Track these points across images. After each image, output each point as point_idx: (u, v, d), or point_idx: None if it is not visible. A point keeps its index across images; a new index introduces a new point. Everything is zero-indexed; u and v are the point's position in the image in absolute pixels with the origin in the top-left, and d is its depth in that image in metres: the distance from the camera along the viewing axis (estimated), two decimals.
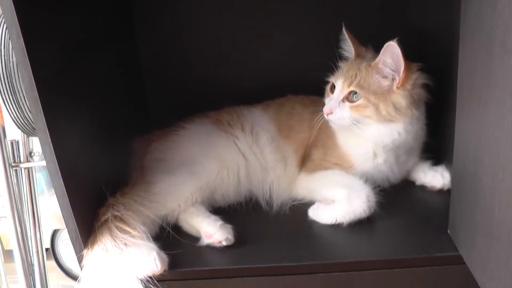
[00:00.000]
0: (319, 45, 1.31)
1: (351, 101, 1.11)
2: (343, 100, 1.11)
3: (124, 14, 1.40)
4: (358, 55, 1.17)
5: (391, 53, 1.05)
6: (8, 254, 1.49)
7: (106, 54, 1.22)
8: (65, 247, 1.84)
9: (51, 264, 1.84)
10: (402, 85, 1.08)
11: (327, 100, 1.16)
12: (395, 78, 1.08)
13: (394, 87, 1.09)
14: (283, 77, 1.41)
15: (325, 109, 1.12)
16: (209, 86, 1.47)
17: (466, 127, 0.87)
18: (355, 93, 1.10)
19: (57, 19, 0.96)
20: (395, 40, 1.03)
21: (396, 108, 1.09)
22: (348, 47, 1.19)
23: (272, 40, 1.45)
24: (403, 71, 1.07)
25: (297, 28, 1.44)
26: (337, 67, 1.19)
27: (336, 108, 1.11)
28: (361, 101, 1.09)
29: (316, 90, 1.25)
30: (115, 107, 1.22)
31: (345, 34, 1.17)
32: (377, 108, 1.09)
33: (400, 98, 1.09)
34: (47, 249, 1.66)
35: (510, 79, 0.68)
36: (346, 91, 1.11)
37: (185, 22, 1.44)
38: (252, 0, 1.40)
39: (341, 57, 1.21)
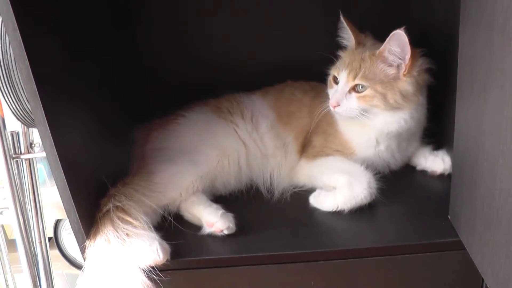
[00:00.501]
0: (319, 32, 1.32)
1: (358, 92, 1.09)
2: (349, 91, 1.10)
3: (123, 6, 1.39)
4: (358, 43, 1.15)
5: (398, 41, 1.04)
6: (11, 244, 1.50)
7: (105, 46, 1.21)
8: (68, 236, 1.86)
9: (54, 253, 1.85)
10: (409, 72, 1.07)
11: (331, 92, 1.14)
12: (400, 66, 1.07)
13: (401, 75, 1.08)
14: (283, 63, 1.41)
15: (332, 102, 1.11)
16: (209, 74, 1.47)
17: (467, 113, 0.86)
18: (361, 84, 1.09)
19: (55, 12, 0.96)
20: (402, 28, 1.01)
21: (403, 95, 1.08)
22: (347, 35, 1.17)
23: (271, 26, 1.44)
24: (409, 58, 1.05)
25: (297, 16, 1.42)
26: (337, 57, 1.18)
27: (343, 100, 1.10)
28: (368, 92, 1.08)
29: (315, 76, 1.25)
30: (115, 97, 1.22)
31: (343, 22, 1.15)
32: (384, 97, 1.08)
33: (407, 85, 1.08)
34: (50, 238, 1.66)
35: (510, 65, 0.67)
36: (351, 83, 1.09)
37: (184, 10, 1.43)
38: None
39: (340, 46, 1.19)
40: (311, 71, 1.21)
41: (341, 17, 1.14)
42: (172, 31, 1.46)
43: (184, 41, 1.47)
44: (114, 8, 1.31)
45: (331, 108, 1.11)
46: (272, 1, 1.41)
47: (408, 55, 1.05)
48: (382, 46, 1.06)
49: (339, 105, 1.10)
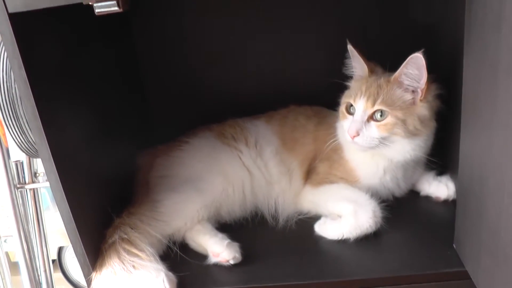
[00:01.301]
0: (322, 54, 1.33)
1: (377, 120, 1.07)
2: (367, 120, 1.08)
3: (124, 25, 1.39)
4: (372, 71, 1.13)
5: (417, 64, 1.02)
6: (14, 266, 1.50)
7: (110, 78, 1.22)
8: (72, 260, 1.85)
9: (58, 276, 1.84)
10: (425, 97, 1.07)
11: (346, 122, 1.12)
12: (416, 91, 1.06)
13: (417, 100, 1.07)
14: (286, 85, 1.41)
15: (351, 132, 1.07)
16: (212, 94, 1.47)
17: (471, 147, 0.87)
18: (381, 111, 1.07)
19: (58, 44, 0.97)
20: (420, 52, 1.00)
21: (421, 121, 1.07)
22: (358, 64, 1.14)
23: (275, 49, 1.43)
24: (425, 83, 1.05)
25: (300, 38, 1.42)
26: (342, 80, 1.17)
27: (362, 129, 1.07)
28: (389, 119, 1.06)
29: (318, 98, 1.25)
30: (119, 125, 1.23)
31: (353, 51, 1.12)
32: (404, 124, 1.06)
33: (424, 110, 1.07)
34: (53, 261, 1.66)
35: None
36: (370, 110, 1.07)
37: (187, 32, 1.43)
38: (255, 9, 1.39)
39: (344, 74, 1.18)
40: (313, 93, 1.21)
41: (349, 46, 1.11)
42: (174, 42, 1.45)
43: (187, 60, 1.47)
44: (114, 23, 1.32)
45: (349, 139, 1.08)
46: (276, 23, 1.40)
47: (424, 79, 1.04)
48: (399, 70, 1.05)
49: (358, 134, 1.07)
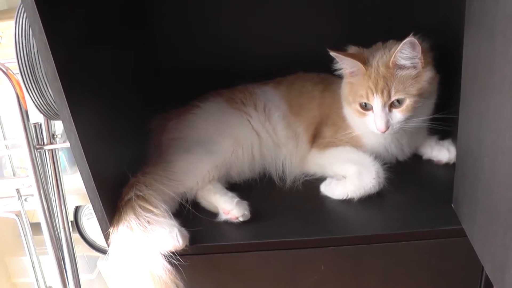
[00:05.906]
0: (330, 23, 1.35)
1: (396, 106, 1.10)
2: (389, 110, 1.10)
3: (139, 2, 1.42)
4: (364, 63, 1.11)
5: (412, 47, 1.05)
6: (36, 227, 1.56)
7: (124, 42, 1.25)
8: (88, 222, 1.91)
9: (75, 236, 1.90)
10: (425, 60, 1.09)
11: (368, 118, 1.13)
12: (416, 63, 1.08)
13: (421, 69, 1.08)
14: (295, 53, 1.42)
15: (381, 128, 1.09)
16: (222, 61, 1.50)
17: (470, 111, 0.90)
18: (397, 99, 1.09)
19: (76, 10, 1.00)
20: (411, 35, 1.03)
21: (430, 83, 1.10)
22: (349, 64, 1.13)
23: (283, 17, 1.46)
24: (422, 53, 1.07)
25: (308, 8, 1.44)
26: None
27: (389, 120, 1.10)
28: (407, 102, 1.09)
29: (326, 66, 1.27)
30: (134, 90, 1.26)
31: (339, 56, 1.12)
32: (421, 96, 1.09)
33: (429, 73, 1.10)
34: (70, 221, 1.73)
35: (510, 69, 0.71)
36: (389, 102, 1.09)
37: (198, 3, 1.45)
38: None
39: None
40: (321, 61, 1.23)
41: (332, 53, 1.11)
42: (186, 11, 1.47)
43: (198, 29, 1.49)
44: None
45: (379, 132, 1.11)
46: None
47: (419, 51, 1.06)
48: (394, 56, 1.07)
49: (388, 127, 1.10)
